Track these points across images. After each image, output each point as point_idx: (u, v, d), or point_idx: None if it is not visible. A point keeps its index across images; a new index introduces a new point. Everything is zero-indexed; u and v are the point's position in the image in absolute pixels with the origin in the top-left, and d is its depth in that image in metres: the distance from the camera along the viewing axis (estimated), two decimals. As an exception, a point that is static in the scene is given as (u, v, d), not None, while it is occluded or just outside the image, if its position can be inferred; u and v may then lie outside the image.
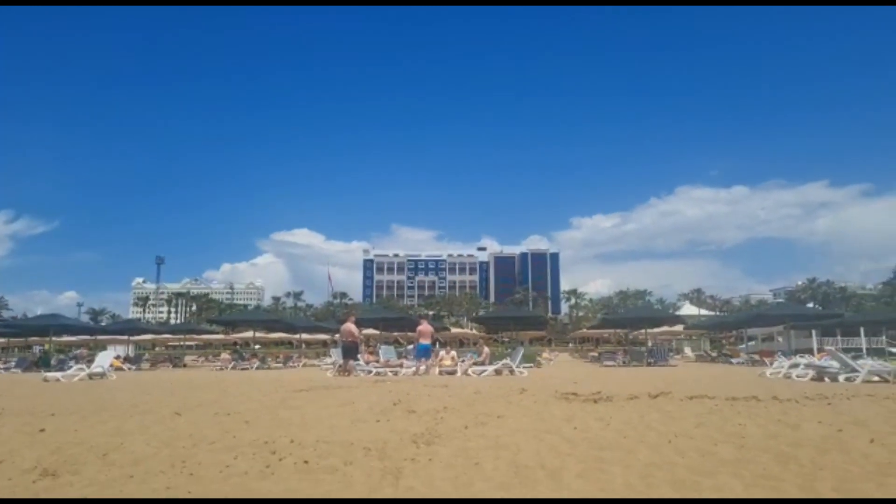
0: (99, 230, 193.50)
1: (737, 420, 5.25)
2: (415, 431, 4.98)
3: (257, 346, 41.09)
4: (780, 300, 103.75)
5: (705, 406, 6.07)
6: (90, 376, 14.29)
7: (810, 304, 73.12)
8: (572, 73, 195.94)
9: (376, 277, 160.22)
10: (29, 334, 36.44)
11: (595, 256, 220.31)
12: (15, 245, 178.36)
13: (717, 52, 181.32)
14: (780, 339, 38.93)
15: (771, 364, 20.03)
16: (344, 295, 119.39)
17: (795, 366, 13.13)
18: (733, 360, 27.62)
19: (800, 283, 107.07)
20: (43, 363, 24.22)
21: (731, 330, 46.34)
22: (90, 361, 19.05)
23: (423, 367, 14.88)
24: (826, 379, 11.23)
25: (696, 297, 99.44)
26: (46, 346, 36.17)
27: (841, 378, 10.89)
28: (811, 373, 12.01)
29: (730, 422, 5.19)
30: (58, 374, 14.24)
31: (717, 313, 78.97)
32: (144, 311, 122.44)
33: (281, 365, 27.34)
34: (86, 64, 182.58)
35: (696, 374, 15.02)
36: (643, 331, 35.96)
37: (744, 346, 39.10)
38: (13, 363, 27.78)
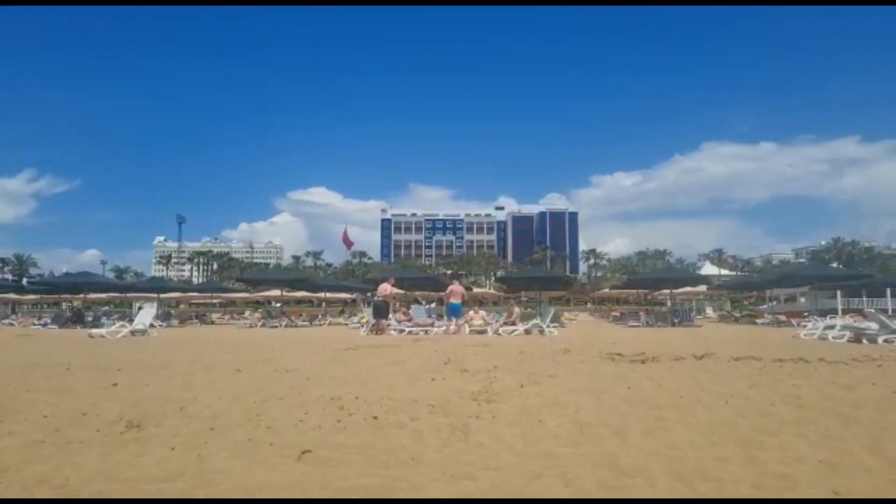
0: (120, 189, 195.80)
1: (789, 381, 5.31)
2: (472, 390, 5.11)
3: (278, 305, 41.78)
4: (803, 260, 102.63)
5: (753, 367, 6.13)
6: (132, 333, 14.78)
7: (834, 265, 72.18)
8: (593, 22, 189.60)
9: (394, 237, 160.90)
10: (62, 291, 37.39)
11: (615, 215, 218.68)
12: (38, 204, 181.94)
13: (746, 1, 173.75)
14: (803, 299, 38.68)
15: (798, 325, 20.01)
16: (363, 254, 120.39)
17: (831, 327, 13.07)
18: (757, 321, 27.56)
19: (823, 242, 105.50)
20: (79, 320, 24.99)
21: (752, 290, 46.09)
22: (124, 319, 19.65)
23: (453, 327, 15.11)
24: (864, 341, 11.18)
25: (717, 257, 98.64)
26: (75, 304, 37.12)
27: (880, 340, 10.84)
28: (848, 334, 11.96)
29: (782, 383, 5.25)
30: (102, 331, 14.76)
31: (739, 273, 78.33)
32: (167, 269, 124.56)
33: (307, 323, 27.87)
34: (105, 25, 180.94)
35: (727, 335, 15.05)
36: (664, 291, 35.88)
37: (765, 306, 38.94)
38: (49, 319, 28.71)
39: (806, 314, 25.04)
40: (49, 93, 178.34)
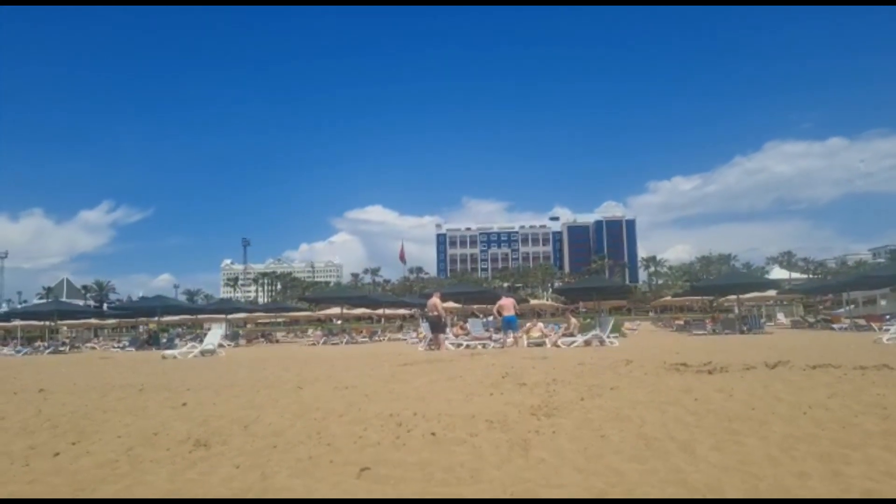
0: (189, 215, 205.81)
1: (873, 390, 4.95)
2: (531, 404, 5.00)
3: (339, 322, 42.64)
4: (882, 260, 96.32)
5: (832, 375, 5.75)
6: (202, 353, 15.40)
7: (919, 264, 67.15)
8: (646, 25, 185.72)
9: (449, 251, 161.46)
10: (139, 315, 39.45)
11: (673, 221, 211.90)
12: (116, 233, 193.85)
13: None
14: (884, 301, 36.19)
15: (880, 329, 18.74)
16: (420, 269, 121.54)
17: (917, 331, 12.16)
18: (835, 326, 25.98)
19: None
20: (154, 342, 26.22)
21: (827, 294, 43.52)
22: (195, 339, 20.53)
23: (510, 340, 14.99)
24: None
25: (787, 260, 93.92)
26: (151, 326, 39.06)
27: (974, 343, 10.02)
28: (936, 338, 11.12)
29: (866, 392, 4.89)
30: (175, 352, 15.47)
31: (811, 276, 74.20)
32: (234, 290, 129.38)
33: (367, 339, 28.27)
34: (169, 61, 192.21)
35: (802, 342, 14.24)
36: (729, 297, 34.38)
37: (843, 310, 36.67)
38: (127, 342, 30.31)
39: (888, 317, 23.38)
40: (122, 128, 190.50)
